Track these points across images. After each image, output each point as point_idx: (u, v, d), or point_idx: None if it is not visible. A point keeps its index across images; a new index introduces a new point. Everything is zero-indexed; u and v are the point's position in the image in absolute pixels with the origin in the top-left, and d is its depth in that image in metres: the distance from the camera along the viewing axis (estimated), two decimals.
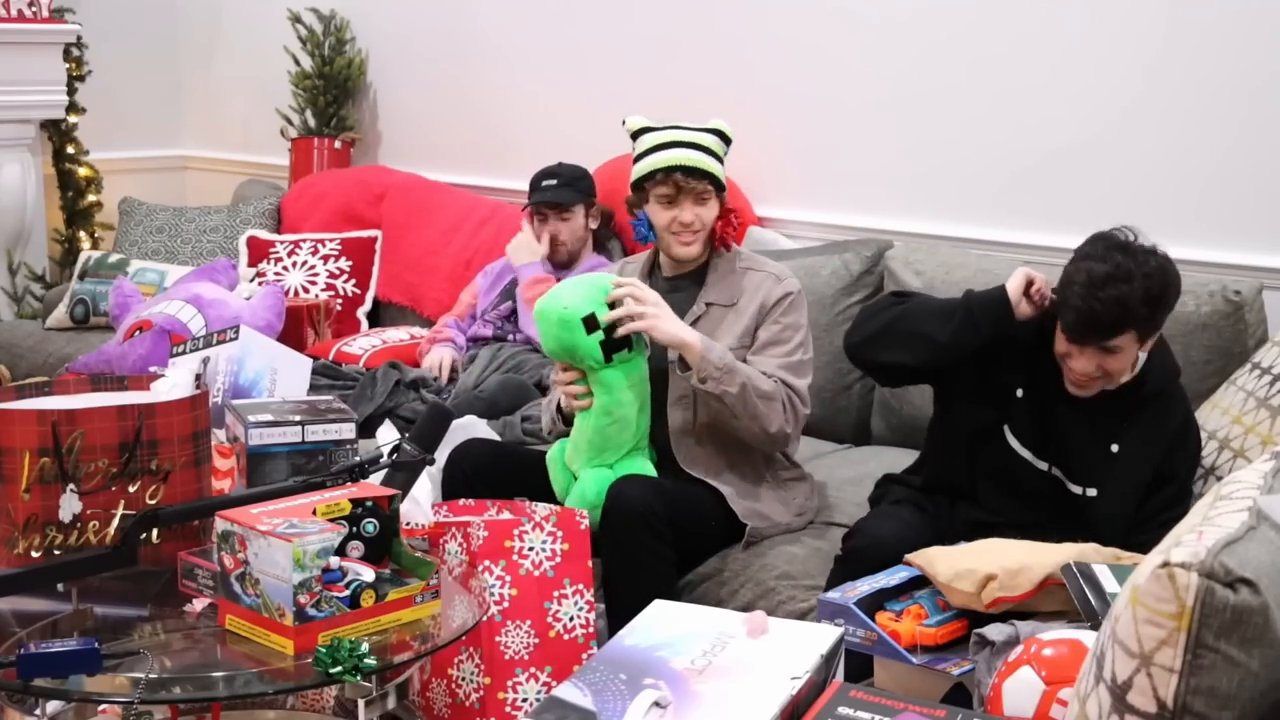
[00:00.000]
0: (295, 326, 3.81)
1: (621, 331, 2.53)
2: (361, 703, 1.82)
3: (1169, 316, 2.68)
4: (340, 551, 1.87)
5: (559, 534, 2.41)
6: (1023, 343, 2.38)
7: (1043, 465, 2.39)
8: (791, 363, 2.68)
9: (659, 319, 2.54)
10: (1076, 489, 2.36)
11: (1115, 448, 2.33)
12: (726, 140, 2.75)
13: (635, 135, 2.78)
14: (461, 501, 2.56)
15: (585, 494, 2.56)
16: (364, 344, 3.85)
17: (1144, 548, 2.22)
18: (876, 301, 2.59)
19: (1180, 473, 2.37)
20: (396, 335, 3.93)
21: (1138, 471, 2.33)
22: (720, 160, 2.74)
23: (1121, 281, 2.19)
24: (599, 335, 2.52)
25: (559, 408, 2.75)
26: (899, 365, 2.47)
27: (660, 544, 2.51)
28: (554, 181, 3.64)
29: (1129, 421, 2.34)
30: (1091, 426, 2.35)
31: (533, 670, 2.35)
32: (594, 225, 3.70)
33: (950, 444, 2.49)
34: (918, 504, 2.48)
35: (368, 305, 4.32)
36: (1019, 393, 2.40)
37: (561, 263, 3.68)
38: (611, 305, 2.54)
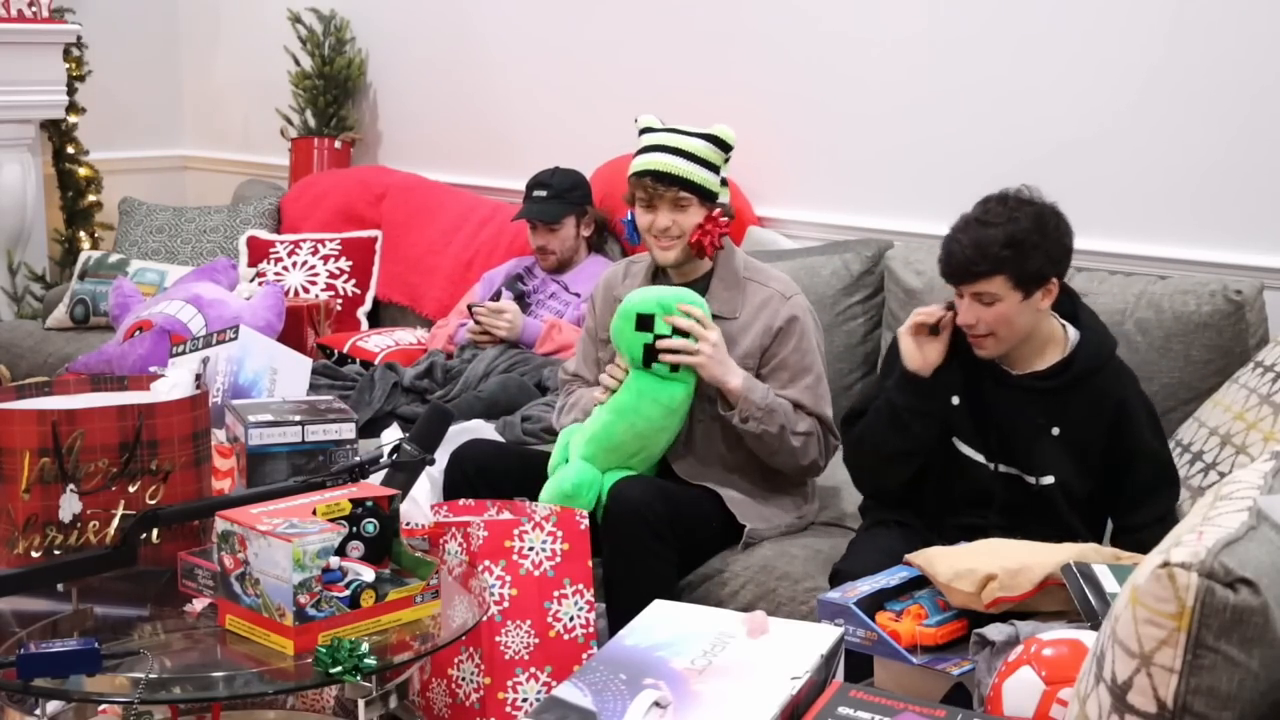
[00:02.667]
0: (295, 326, 3.81)
1: (668, 359, 2.55)
2: (361, 703, 1.82)
3: (1172, 317, 2.69)
4: (340, 551, 1.87)
5: (559, 534, 2.41)
6: (950, 357, 2.40)
7: (993, 466, 2.39)
8: (818, 393, 2.69)
9: (709, 360, 2.57)
10: (1032, 480, 2.36)
11: (1056, 430, 2.34)
12: (725, 147, 2.71)
13: (641, 134, 2.77)
14: (461, 501, 2.56)
15: (561, 484, 2.57)
16: (379, 341, 3.86)
17: (1139, 534, 2.23)
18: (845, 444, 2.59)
19: (1144, 447, 2.35)
20: (408, 338, 3.93)
21: (1085, 451, 2.34)
22: (712, 167, 2.69)
23: (984, 225, 2.26)
24: (646, 337, 2.53)
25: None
26: (908, 474, 2.46)
27: (661, 544, 2.51)
28: (544, 193, 3.64)
29: (1063, 403, 2.34)
30: (1029, 413, 2.35)
31: (533, 670, 2.35)
32: (586, 233, 3.70)
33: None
34: (902, 521, 2.47)
35: (368, 305, 4.32)
36: (955, 400, 2.40)
37: (552, 268, 3.70)
38: (675, 329, 2.55)
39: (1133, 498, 2.36)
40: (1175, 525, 2.29)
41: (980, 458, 2.40)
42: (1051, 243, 2.27)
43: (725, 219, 2.72)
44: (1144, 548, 2.20)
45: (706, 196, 2.68)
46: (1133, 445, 2.34)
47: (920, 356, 2.37)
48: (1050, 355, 2.37)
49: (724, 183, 2.73)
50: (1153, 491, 2.37)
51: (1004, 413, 2.37)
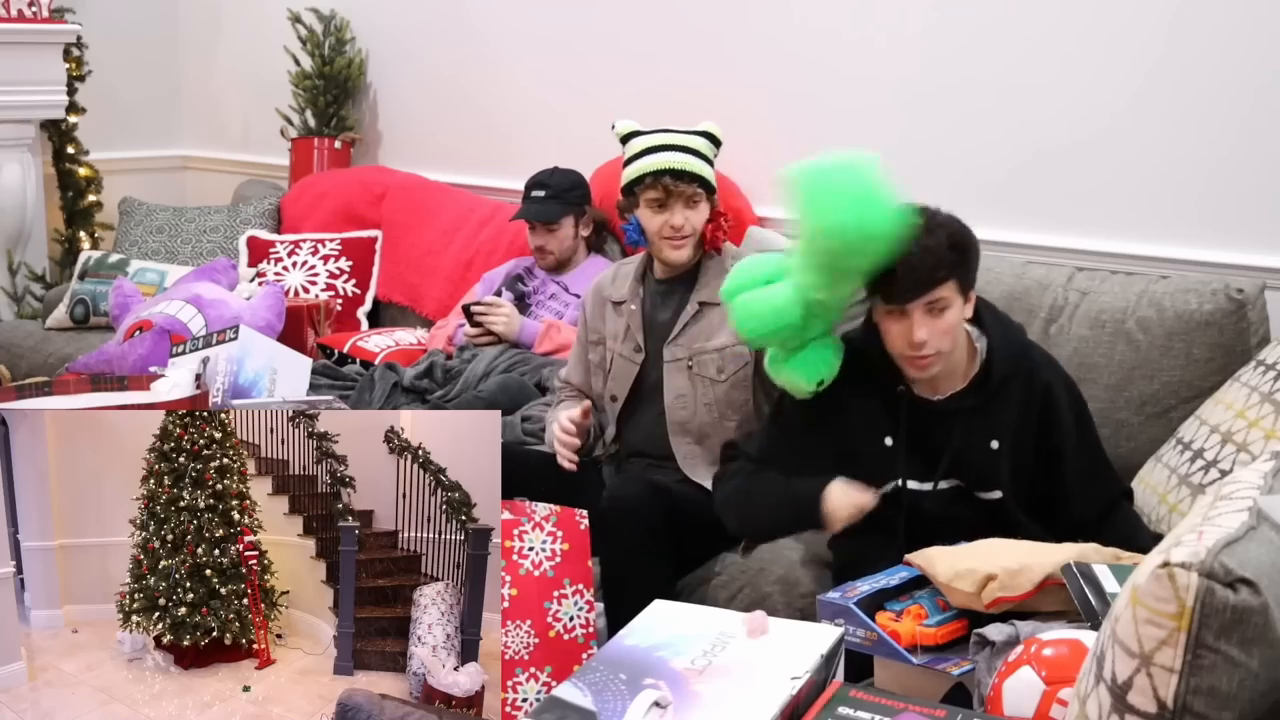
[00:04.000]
0: (295, 326, 3.81)
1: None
2: None
3: (1174, 315, 2.68)
4: None
5: (559, 534, 2.40)
6: (866, 399, 2.37)
7: (944, 484, 2.35)
8: None
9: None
10: (987, 495, 2.34)
11: (995, 444, 2.32)
12: (716, 142, 2.73)
13: (625, 139, 2.77)
14: None
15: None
16: (379, 341, 3.86)
17: (1099, 530, 2.22)
18: (734, 473, 2.53)
19: (1074, 437, 2.33)
20: (408, 338, 3.94)
21: (1025, 460, 2.32)
22: (710, 162, 2.72)
23: (923, 234, 2.25)
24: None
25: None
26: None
27: (658, 545, 2.52)
28: (542, 193, 3.64)
29: (994, 414, 2.32)
30: (965, 432, 2.32)
31: (533, 670, 2.35)
32: (585, 233, 3.70)
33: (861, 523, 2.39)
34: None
35: (368, 305, 4.32)
36: (888, 441, 2.37)
37: (550, 267, 3.69)
38: None
39: (1072, 489, 2.33)
40: (1125, 516, 2.32)
41: (927, 487, 2.36)
42: (974, 246, 2.30)
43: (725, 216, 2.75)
44: (1100, 531, 2.23)
45: (711, 191, 2.72)
46: (1062, 429, 2.32)
47: (841, 522, 2.33)
48: (966, 369, 2.34)
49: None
50: (1091, 478, 2.35)
51: (941, 438, 2.33)
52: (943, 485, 2.36)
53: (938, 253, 2.24)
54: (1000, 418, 2.32)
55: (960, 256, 2.26)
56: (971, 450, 2.33)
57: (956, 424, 2.33)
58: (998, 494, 2.33)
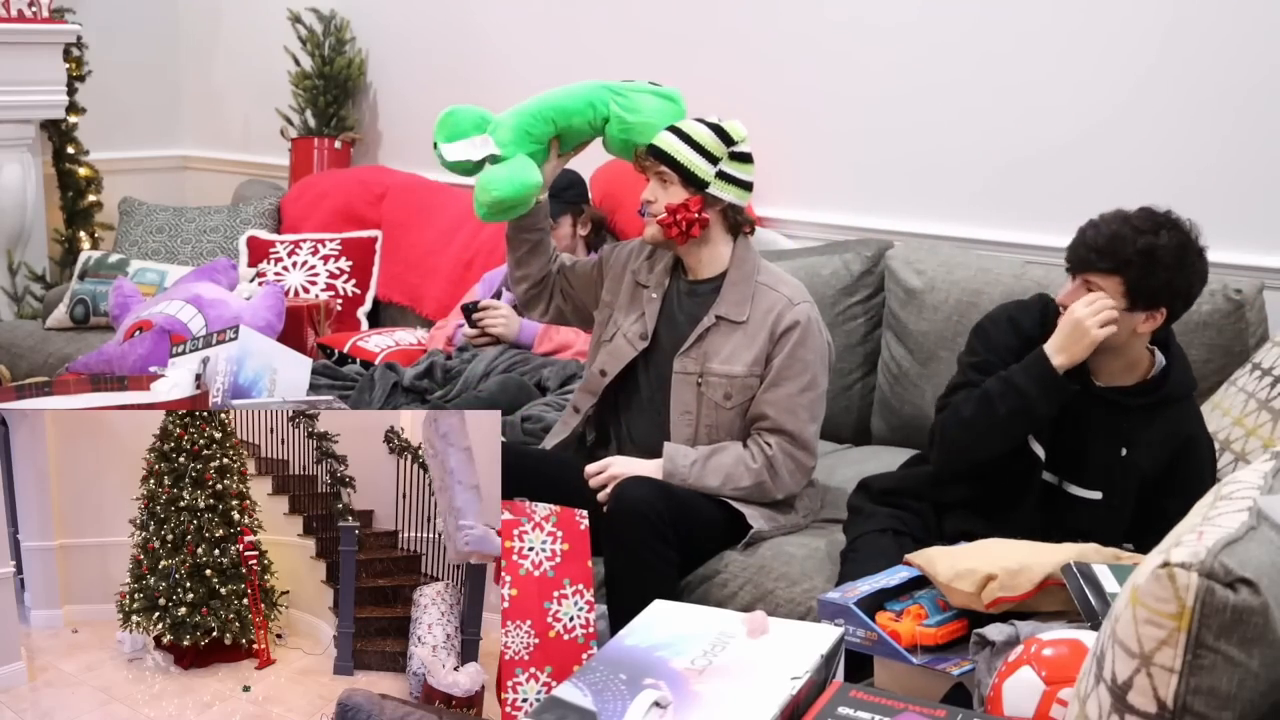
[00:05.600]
0: (295, 326, 3.81)
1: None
2: None
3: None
4: None
5: (559, 534, 2.40)
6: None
7: (1052, 478, 2.36)
8: (798, 403, 2.64)
9: (620, 472, 2.63)
10: (1080, 491, 2.35)
11: (1125, 451, 2.32)
12: (728, 140, 2.68)
13: None
14: None
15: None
16: (379, 341, 3.85)
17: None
18: (944, 415, 2.41)
19: (1200, 488, 2.30)
20: (408, 338, 3.93)
21: (1142, 479, 2.32)
22: (709, 156, 2.65)
23: (1128, 225, 2.23)
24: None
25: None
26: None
27: (663, 545, 2.51)
28: None
29: (1139, 425, 2.32)
30: (1104, 427, 2.33)
31: (533, 670, 2.35)
32: (584, 232, 3.69)
33: None
34: (895, 528, 2.44)
35: (368, 305, 4.32)
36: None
37: None
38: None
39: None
40: None
41: (1041, 455, 2.36)
42: (1180, 274, 2.23)
43: (700, 213, 2.65)
44: None
45: (690, 180, 2.66)
46: (1190, 482, 2.26)
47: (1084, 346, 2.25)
48: (1134, 376, 2.34)
49: (725, 178, 2.68)
50: None
51: (1084, 422, 2.34)
52: (1046, 476, 2.35)
53: (1117, 245, 2.22)
54: (1143, 431, 2.31)
55: (1141, 263, 2.20)
56: (1100, 446, 2.33)
57: (1103, 414, 2.32)
58: (1098, 495, 2.33)
